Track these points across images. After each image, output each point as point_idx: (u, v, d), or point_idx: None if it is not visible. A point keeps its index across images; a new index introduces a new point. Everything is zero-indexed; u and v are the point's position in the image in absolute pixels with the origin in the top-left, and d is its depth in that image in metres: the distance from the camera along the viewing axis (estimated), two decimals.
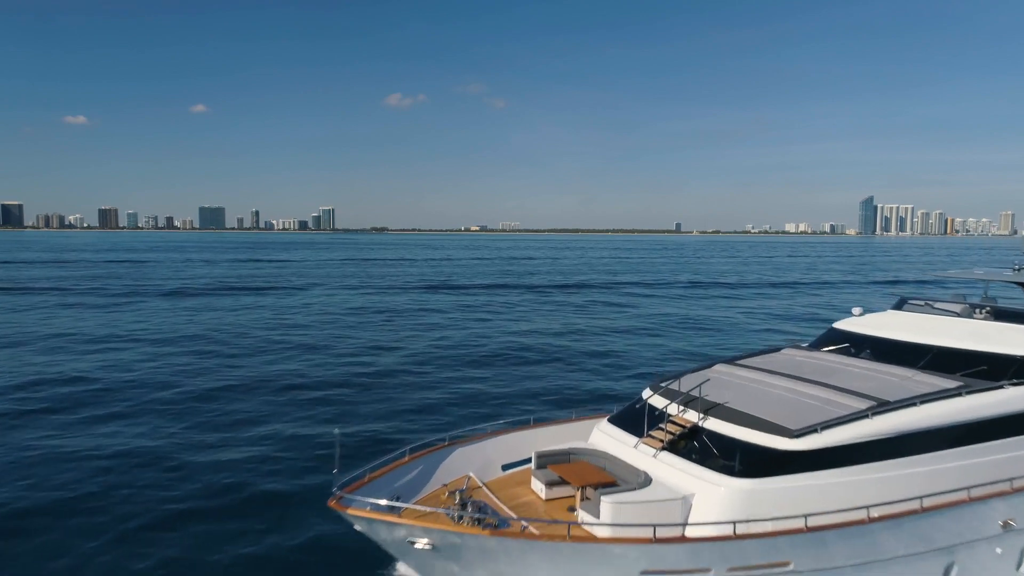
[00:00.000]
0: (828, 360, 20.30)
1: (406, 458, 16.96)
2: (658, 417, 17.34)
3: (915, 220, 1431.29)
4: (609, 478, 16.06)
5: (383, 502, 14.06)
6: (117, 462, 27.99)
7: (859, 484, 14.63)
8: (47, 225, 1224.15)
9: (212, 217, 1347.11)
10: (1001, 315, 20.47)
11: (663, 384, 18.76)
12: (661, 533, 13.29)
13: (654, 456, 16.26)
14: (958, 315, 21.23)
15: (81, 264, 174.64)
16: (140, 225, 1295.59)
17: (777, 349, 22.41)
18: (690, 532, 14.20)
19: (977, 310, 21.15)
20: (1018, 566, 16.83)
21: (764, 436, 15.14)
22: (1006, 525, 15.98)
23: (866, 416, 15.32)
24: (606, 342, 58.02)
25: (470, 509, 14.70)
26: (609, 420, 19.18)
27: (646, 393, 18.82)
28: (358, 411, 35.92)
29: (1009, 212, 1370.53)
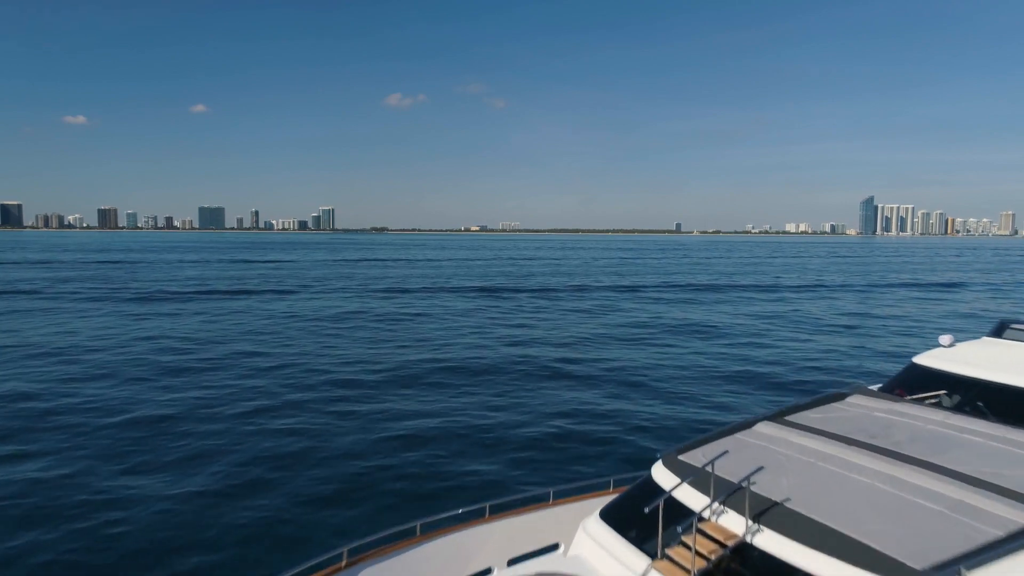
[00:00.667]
0: (923, 417, 13.73)
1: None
2: (678, 519, 10.82)
3: (915, 220, 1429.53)
4: None
5: None
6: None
7: None
8: (46, 225, 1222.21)
9: (212, 217, 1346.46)
10: None
11: (682, 457, 12.48)
12: None
13: None
14: None
15: (66, 265, 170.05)
16: (139, 225, 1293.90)
17: (842, 396, 15.58)
18: None
19: None
20: None
21: None
22: None
23: None
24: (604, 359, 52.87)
25: None
26: (601, 515, 12.50)
27: (658, 474, 12.32)
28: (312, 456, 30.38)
29: (1010, 212, 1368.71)
